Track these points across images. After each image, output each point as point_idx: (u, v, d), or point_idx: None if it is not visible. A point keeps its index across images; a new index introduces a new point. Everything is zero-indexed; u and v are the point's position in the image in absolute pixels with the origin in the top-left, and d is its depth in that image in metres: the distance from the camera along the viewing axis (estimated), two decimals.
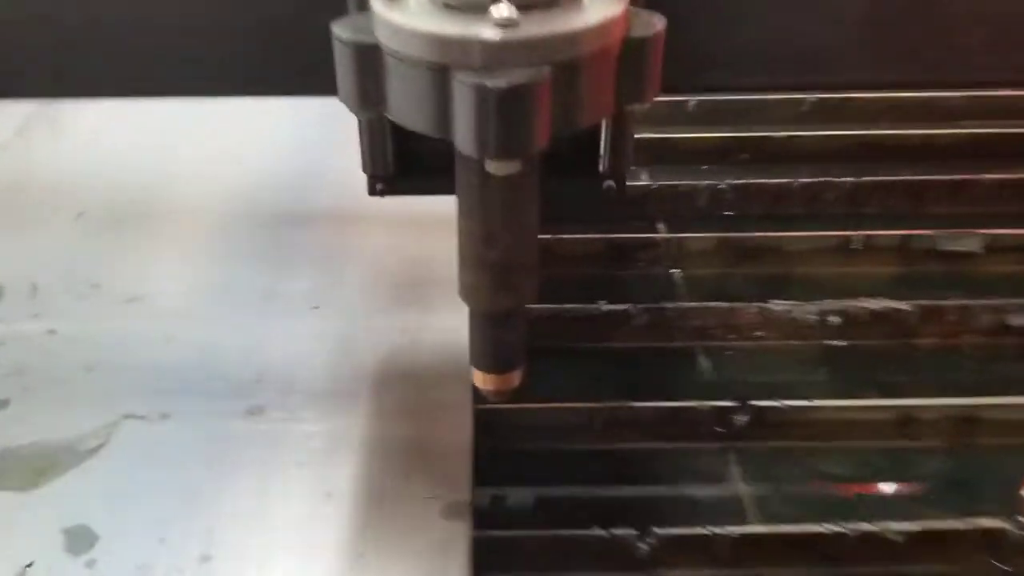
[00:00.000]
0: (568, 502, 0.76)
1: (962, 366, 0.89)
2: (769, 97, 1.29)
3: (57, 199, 1.07)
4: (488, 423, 0.77)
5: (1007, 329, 0.91)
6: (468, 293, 0.56)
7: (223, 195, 1.07)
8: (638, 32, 0.49)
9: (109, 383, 0.80)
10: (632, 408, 0.79)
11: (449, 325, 0.83)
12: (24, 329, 0.86)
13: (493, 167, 0.50)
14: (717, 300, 0.93)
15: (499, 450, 0.78)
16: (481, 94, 0.44)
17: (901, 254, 1.01)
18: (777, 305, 0.90)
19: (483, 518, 0.70)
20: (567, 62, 0.46)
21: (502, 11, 0.44)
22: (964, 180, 1.10)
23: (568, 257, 1.01)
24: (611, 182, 0.66)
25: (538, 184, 0.54)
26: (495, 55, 0.45)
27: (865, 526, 0.70)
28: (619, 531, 0.69)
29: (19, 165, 1.15)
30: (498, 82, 0.44)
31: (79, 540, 0.66)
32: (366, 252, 0.97)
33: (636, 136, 1.14)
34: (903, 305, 0.91)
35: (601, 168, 0.65)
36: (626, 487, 0.78)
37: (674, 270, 1.00)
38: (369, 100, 0.50)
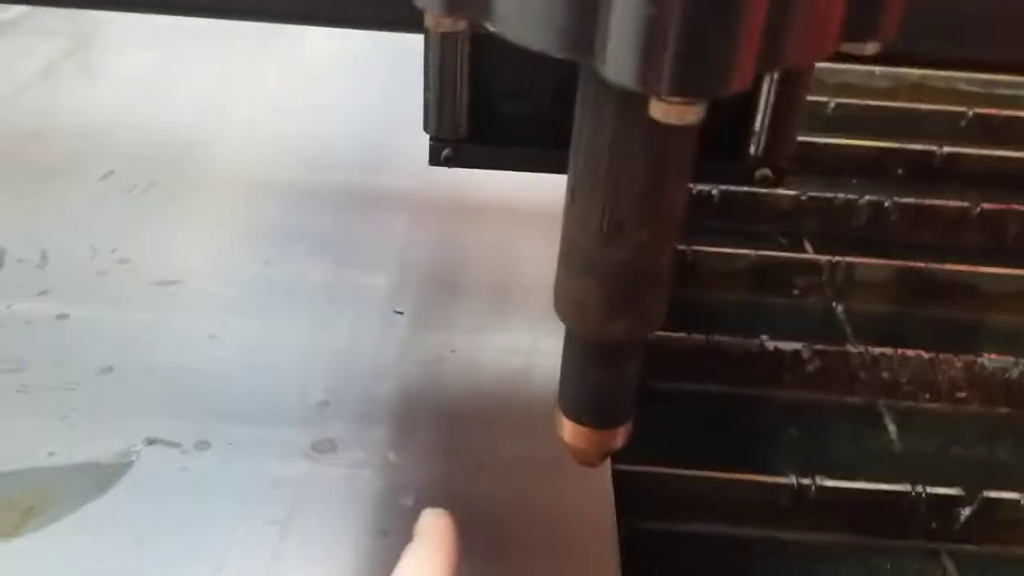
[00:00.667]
0: None
1: None
2: (920, 107, 1.10)
3: (83, 153, 0.88)
4: (629, 490, 0.58)
5: None
6: (571, 309, 0.37)
7: (279, 163, 0.88)
8: None
9: (130, 393, 0.60)
10: (822, 488, 0.59)
11: None
12: (27, 310, 0.67)
13: (661, 111, 0.29)
14: (892, 345, 0.74)
15: (640, 531, 0.58)
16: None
17: None
18: (991, 362, 0.70)
19: None
20: None
21: None
22: None
23: (704, 276, 0.81)
24: (767, 170, 0.47)
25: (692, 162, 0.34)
26: None
27: None
28: None
29: (42, 109, 0.96)
30: None
31: None
32: (458, 243, 0.78)
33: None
34: None
35: (753, 150, 0.46)
36: None
37: (836, 303, 0.81)
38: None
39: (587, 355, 0.38)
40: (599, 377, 0.38)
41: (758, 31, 0.27)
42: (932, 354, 0.70)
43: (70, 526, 0.51)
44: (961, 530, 0.60)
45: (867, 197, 0.91)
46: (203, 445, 0.57)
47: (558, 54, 0.28)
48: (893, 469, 0.65)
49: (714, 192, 0.91)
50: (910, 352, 0.71)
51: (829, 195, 0.91)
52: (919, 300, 0.81)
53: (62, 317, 0.67)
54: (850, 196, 0.91)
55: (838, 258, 0.82)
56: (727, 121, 0.41)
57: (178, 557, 0.50)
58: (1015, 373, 0.70)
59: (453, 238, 0.79)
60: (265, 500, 0.53)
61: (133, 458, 0.56)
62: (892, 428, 0.69)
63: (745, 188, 0.90)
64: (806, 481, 0.59)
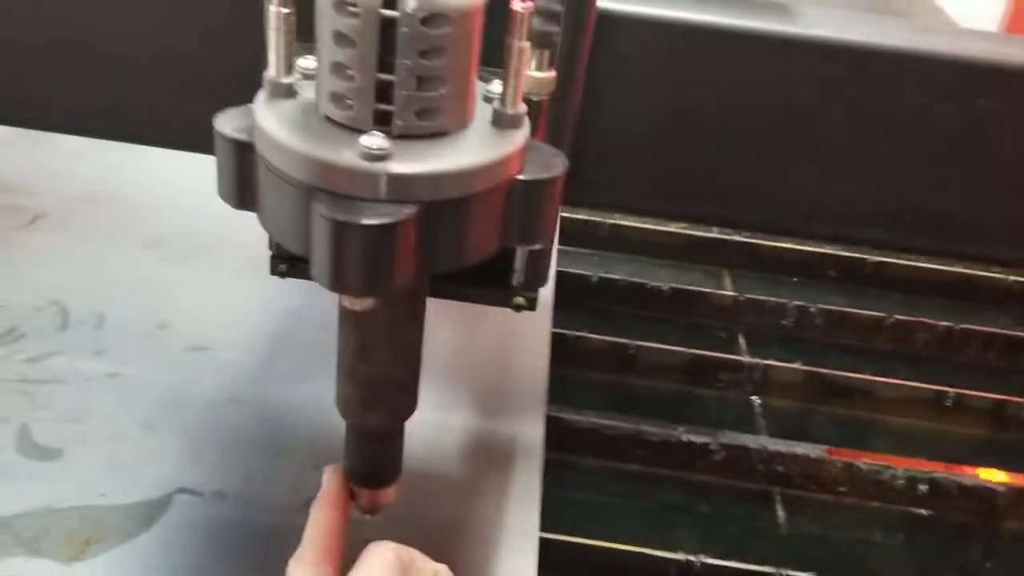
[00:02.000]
0: None
1: None
2: None
3: (133, 220, 1.04)
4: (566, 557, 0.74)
5: None
6: (341, 404, 0.54)
7: None
8: (533, 173, 0.44)
9: (166, 447, 0.76)
10: (706, 565, 0.75)
11: None
12: (87, 368, 0.83)
13: (346, 301, 0.47)
14: (796, 438, 0.89)
15: None
16: (336, 229, 0.39)
17: (994, 420, 0.96)
18: (865, 464, 0.86)
19: None
20: (444, 202, 0.41)
21: (374, 141, 0.39)
22: None
23: (648, 368, 0.97)
24: (521, 298, 0.63)
25: (422, 302, 0.51)
26: (361, 185, 0.40)
27: None
28: None
29: (96, 176, 1.12)
30: (354, 217, 0.39)
31: None
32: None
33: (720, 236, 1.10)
34: (994, 484, 0.86)
35: (514, 282, 0.62)
36: None
37: (755, 397, 0.96)
38: (245, 199, 0.45)
39: (356, 437, 0.55)
40: (366, 452, 0.55)
41: (410, 258, 0.41)
42: (819, 453, 0.86)
43: (121, 555, 0.67)
44: None
45: (795, 302, 1.06)
46: (221, 495, 0.73)
47: (296, 252, 0.43)
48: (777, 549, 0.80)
49: (664, 288, 1.06)
50: (798, 450, 0.86)
51: (762, 297, 1.07)
52: (824, 399, 0.96)
53: (113, 375, 0.83)
54: (781, 300, 1.07)
55: (757, 360, 0.97)
56: (495, 260, 0.51)
57: None
58: (886, 475, 0.86)
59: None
60: (266, 545, 0.69)
61: (168, 502, 0.72)
62: (781, 513, 0.85)
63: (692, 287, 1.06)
64: (692, 558, 0.74)
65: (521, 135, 0.44)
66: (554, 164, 0.45)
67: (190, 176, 1.10)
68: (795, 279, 1.15)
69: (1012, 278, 1.14)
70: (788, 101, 0.66)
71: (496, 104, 0.44)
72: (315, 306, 0.93)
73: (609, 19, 0.62)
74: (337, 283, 0.41)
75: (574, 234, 1.14)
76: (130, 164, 1.13)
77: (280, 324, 0.91)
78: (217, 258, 0.99)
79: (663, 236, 1.17)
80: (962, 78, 0.66)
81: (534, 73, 0.50)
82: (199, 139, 0.67)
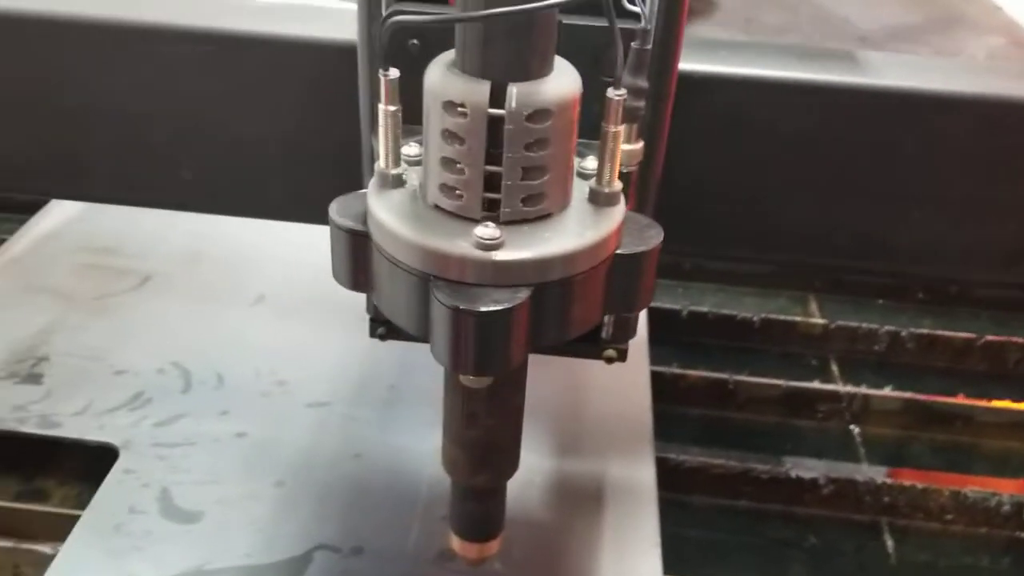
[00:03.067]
0: None
1: None
2: None
3: (233, 278, 1.09)
4: None
5: None
6: (448, 465, 0.57)
7: None
8: (631, 247, 0.47)
9: (300, 504, 0.80)
10: None
11: None
12: (213, 429, 0.87)
13: (466, 380, 0.50)
14: (898, 464, 0.91)
15: None
16: (454, 317, 0.43)
17: None
18: (972, 492, 0.87)
19: None
20: (551, 284, 0.44)
21: (487, 231, 0.42)
22: None
23: (746, 401, 0.99)
24: (612, 351, 0.64)
25: (525, 372, 0.54)
26: (476, 273, 0.43)
27: None
28: None
29: (196, 237, 1.16)
30: (472, 305, 0.42)
31: None
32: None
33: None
34: None
35: (604, 335, 0.63)
36: None
37: (853, 426, 0.98)
38: (360, 282, 0.48)
39: (463, 495, 0.58)
40: (472, 509, 0.58)
41: (524, 339, 0.44)
42: (924, 484, 0.88)
43: None
44: None
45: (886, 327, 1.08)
46: (357, 550, 0.77)
47: (413, 334, 0.46)
48: None
49: (754, 319, 1.08)
50: (906, 482, 0.88)
51: (853, 324, 1.08)
52: (923, 427, 0.98)
53: (241, 435, 0.87)
54: (872, 325, 1.08)
55: (855, 389, 0.99)
56: None
57: None
58: (993, 502, 0.87)
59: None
60: None
61: (309, 559, 0.75)
62: (890, 543, 0.86)
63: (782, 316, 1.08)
64: None
65: (619, 212, 0.46)
66: (650, 236, 0.48)
67: (286, 232, 1.15)
68: (880, 301, 1.16)
69: None
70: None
71: (593, 183, 0.46)
72: (426, 357, 0.97)
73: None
74: (457, 365, 0.45)
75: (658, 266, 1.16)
76: (225, 224, 1.18)
77: (394, 376, 0.94)
78: (323, 312, 1.03)
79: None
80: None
81: (624, 147, 0.53)
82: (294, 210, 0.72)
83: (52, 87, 0.72)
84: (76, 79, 0.71)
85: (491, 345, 0.44)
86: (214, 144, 0.74)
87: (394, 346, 0.98)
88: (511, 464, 0.57)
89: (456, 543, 0.60)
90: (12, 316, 1.01)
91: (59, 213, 1.19)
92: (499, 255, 0.43)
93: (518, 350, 0.45)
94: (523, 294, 0.43)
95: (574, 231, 0.45)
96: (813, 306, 1.14)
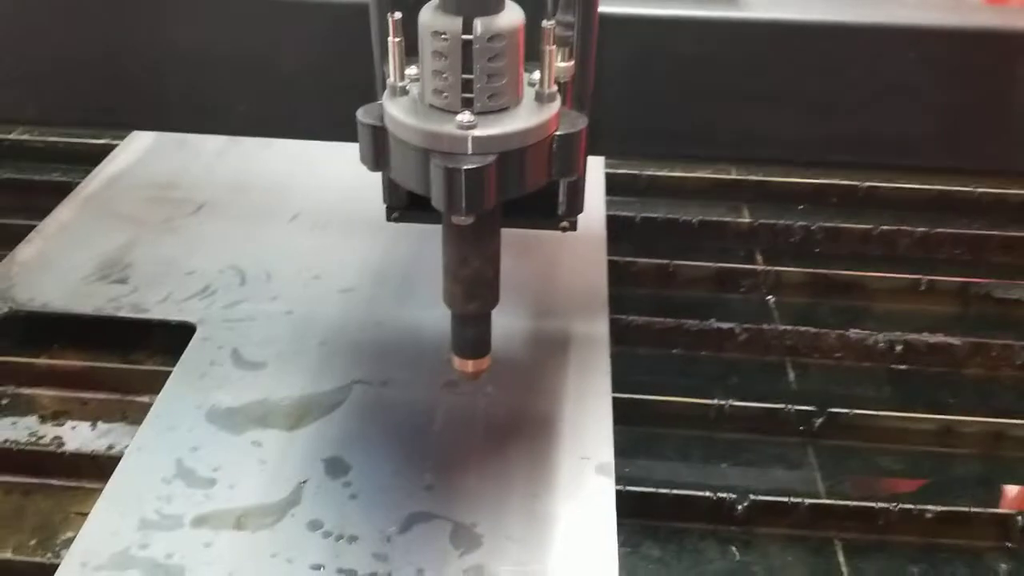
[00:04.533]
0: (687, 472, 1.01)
1: (999, 393, 1.11)
2: None
3: (273, 201, 1.34)
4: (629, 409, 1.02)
5: None
6: (448, 299, 0.80)
7: None
8: (565, 129, 0.70)
9: (339, 354, 1.06)
10: (736, 407, 1.03)
11: None
12: (267, 309, 1.13)
13: (456, 219, 0.73)
14: (803, 323, 1.17)
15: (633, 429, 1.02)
16: (447, 173, 0.66)
17: (960, 298, 1.23)
18: (854, 333, 1.13)
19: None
20: (511, 152, 0.67)
21: (464, 117, 0.66)
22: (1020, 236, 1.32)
23: (684, 280, 1.25)
24: (566, 223, 0.89)
25: (498, 223, 0.77)
26: (459, 146, 0.66)
27: (906, 505, 0.93)
28: (723, 494, 0.93)
29: (236, 167, 1.42)
30: (458, 165, 0.65)
31: (337, 467, 0.92)
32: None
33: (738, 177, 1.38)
34: (955, 340, 1.13)
35: (560, 211, 0.87)
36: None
37: (770, 297, 1.24)
38: (380, 163, 0.72)
39: (460, 321, 0.82)
40: (467, 331, 0.82)
41: (494, 189, 0.67)
42: (816, 329, 1.14)
43: (324, 425, 0.97)
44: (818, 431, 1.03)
45: (800, 222, 1.33)
46: (385, 383, 1.02)
47: (419, 192, 0.70)
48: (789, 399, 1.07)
49: (694, 220, 1.34)
50: (801, 327, 1.14)
51: (773, 221, 1.34)
52: (826, 294, 1.24)
53: (288, 313, 1.13)
54: (788, 222, 1.34)
55: (770, 267, 1.25)
56: (545, 198, 0.83)
57: (383, 434, 0.95)
58: (871, 340, 1.13)
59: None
60: (423, 416, 0.99)
61: (350, 389, 1.01)
62: (792, 374, 1.12)
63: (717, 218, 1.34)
64: (723, 402, 1.03)
65: (555, 106, 0.70)
66: (579, 122, 0.72)
67: (312, 162, 1.41)
68: (801, 207, 1.41)
69: (979, 190, 1.40)
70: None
71: (537, 87, 0.70)
72: (430, 252, 1.22)
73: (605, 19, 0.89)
74: (451, 208, 0.69)
75: (620, 185, 1.42)
76: (262, 154, 1.43)
77: (407, 267, 1.20)
78: (347, 224, 1.28)
79: (693, 182, 1.44)
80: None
81: (560, 64, 0.75)
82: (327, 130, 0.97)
83: (130, 38, 0.97)
84: (150, 30, 0.97)
85: (473, 192, 0.68)
86: (263, 79, 0.98)
87: (405, 245, 1.24)
88: (494, 295, 0.81)
89: (457, 362, 0.83)
90: (97, 237, 1.26)
91: (123, 158, 1.44)
92: (475, 132, 0.67)
93: (490, 196, 0.69)
94: (492, 158, 0.68)
95: (524, 117, 0.69)
96: (745, 211, 1.40)
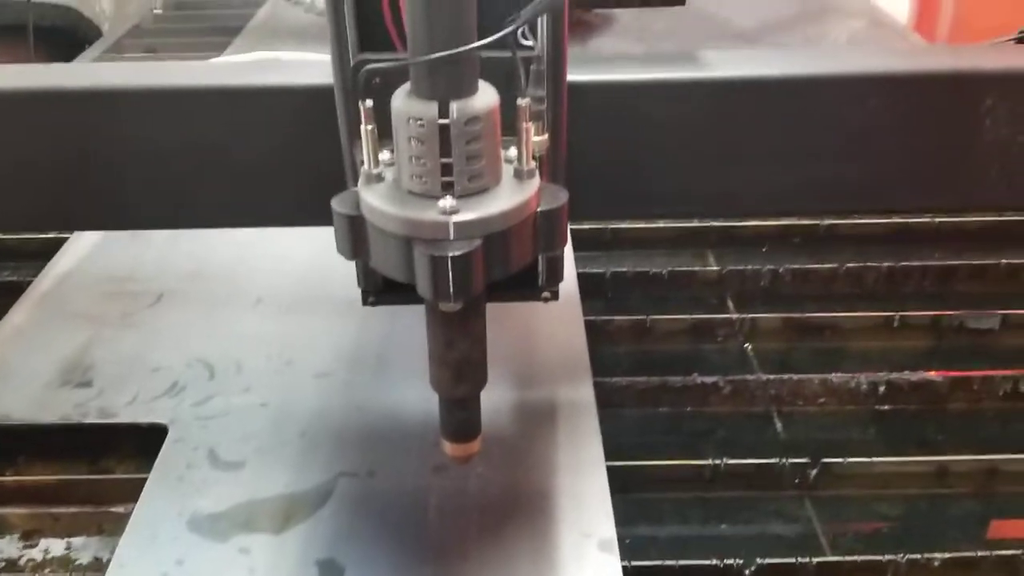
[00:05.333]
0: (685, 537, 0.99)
1: (986, 426, 1.11)
2: None
3: (233, 287, 1.31)
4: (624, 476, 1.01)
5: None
6: (435, 383, 0.78)
7: None
8: (547, 205, 0.69)
9: (321, 446, 1.03)
10: (730, 465, 1.02)
11: None
12: (241, 402, 1.10)
13: (443, 306, 0.72)
14: (782, 369, 1.16)
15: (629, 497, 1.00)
16: (432, 261, 0.65)
17: (934, 331, 1.24)
18: (836, 377, 1.13)
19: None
20: (495, 233, 0.66)
21: (446, 203, 0.65)
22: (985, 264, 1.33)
23: (661, 334, 1.24)
24: (547, 293, 0.87)
25: (484, 304, 0.76)
26: (442, 232, 0.65)
27: (912, 555, 0.92)
28: (729, 560, 0.92)
29: (191, 254, 1.38)
30: (443, 252, 0.64)
31: (331, 570, 0.88)
32: None
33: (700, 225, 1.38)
34: (936, 377, 1.13)
35: (540, 282, 0.85)
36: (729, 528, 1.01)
37: (747, 344, 1.23)
38: (358, 252, 0.70)
39: (448, 406, 0.80)
40: (457, 416, 0.80)
41: (481, 273, 0.66)
42: (797, 376, 1.14)
43: (313, 524, 0.94)
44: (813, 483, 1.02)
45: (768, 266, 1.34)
46: (371, 473, 0.99)
47: (402, 281, 0.68)
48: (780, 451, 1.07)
49: (664, 272, 1.34)
50: (784, 375, 1.13)
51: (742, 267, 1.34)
52: (800, 338, 1.24)
53: (264, 404, 1.09)
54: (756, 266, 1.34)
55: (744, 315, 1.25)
56: (524, 272, 0.78)
57: (375, 530, 0.92)
58: (853, 383, 1.13)
59: None
60: (414, 505, 0.96)
61: (335, 484, 0.98)
62: (779, 424, 1.12)
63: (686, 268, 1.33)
64: (717, 462, 1.01)
65: (535, 183, 0.69)
66: (560, 197, 0.70)
67: (271, 244, 1.38)
68: (764, 248, 1.42)
69: (938, 220, 1.42)
70: None
71: (515, 165, 0.69)
72: (404, 333, 1.19)
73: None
74: (437, 295, 0.67)
75: (585, 240, 1.41)
76: (216, 240, 1.40)
77: (380, 348, 1.17)
78: (313, 304, 1.25)
79: (657, 231, 1.44)
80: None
81: (535, 139, 0.74)
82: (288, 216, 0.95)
83: (87, 141, 0.94)
84: (107, 134, 0.94)
85: (460, 278, 0.66)
86: (222, 170, 0.96)
87: (377, 324, 1.22)
88: (482, 376, 0.79)
89: (447, 447, 0.81)
90: (55, 337, 1.22)
91: (73, 251, 1.40)
92: (457, 218, 0.65)
93: (478, 281, 0.67)
94: (477, 242, 0.66)
95: (507, 197, 0.68)
96: (710, 258, 1.40)
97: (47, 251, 1.41)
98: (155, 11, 2.47)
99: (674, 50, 0.97)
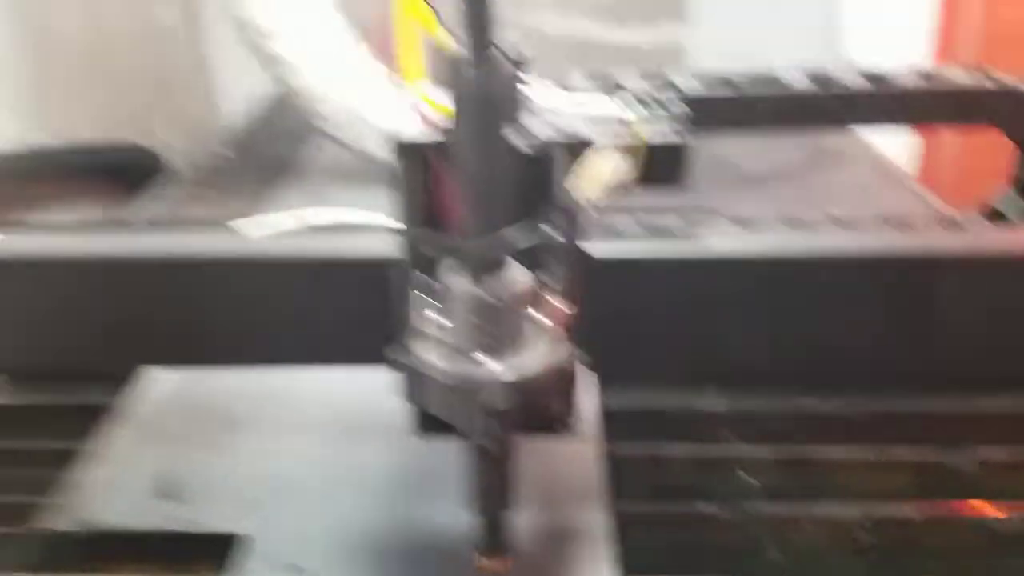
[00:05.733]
0: None
1: None
2: None
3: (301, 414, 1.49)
4: None
5: None
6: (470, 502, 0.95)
7: None
8: (567, 363, 0.91)
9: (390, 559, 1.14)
10: None
11: None
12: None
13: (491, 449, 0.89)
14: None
15: None
16: (483, 412, 0.85)
17: None
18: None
19: None
20: (535, 389, 0.85)
21: (492, 364, 0.85)
22: None
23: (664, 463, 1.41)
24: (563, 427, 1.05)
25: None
26: (492, 388, 0.85)
27: None
28: None
29: (268, 383, 1.57)
30: (494, 405, 0.84)
31: None
32: None
33: None
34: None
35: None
36: None
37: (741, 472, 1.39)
38: (415, 399, 0.91)
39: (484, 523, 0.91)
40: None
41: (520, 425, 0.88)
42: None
43: None
44: None
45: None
46: None
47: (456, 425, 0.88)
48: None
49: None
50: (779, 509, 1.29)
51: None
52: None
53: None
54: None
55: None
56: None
57: None
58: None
59: None
60: None
61: None
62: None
63: None
64: None
65: (564, 344, 0.91)
66: (574, 354, 0.91)
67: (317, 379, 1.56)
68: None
69: None
70: None
71: (545, 330, 0.90)
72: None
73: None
74: (484, 441, 0.88)
75: None
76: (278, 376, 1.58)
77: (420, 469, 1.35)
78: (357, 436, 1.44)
79: None
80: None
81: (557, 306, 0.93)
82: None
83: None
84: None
85: (505, 429, 0.88)
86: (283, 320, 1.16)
87: (421, 449, 1.37)
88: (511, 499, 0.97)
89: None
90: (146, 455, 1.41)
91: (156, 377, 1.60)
92: (504, 377, 0.86)
93: (519, 428, 0.89)
94: (520, 397, 0.87)
95: (542, 356, 0.90)
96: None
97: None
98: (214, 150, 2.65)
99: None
